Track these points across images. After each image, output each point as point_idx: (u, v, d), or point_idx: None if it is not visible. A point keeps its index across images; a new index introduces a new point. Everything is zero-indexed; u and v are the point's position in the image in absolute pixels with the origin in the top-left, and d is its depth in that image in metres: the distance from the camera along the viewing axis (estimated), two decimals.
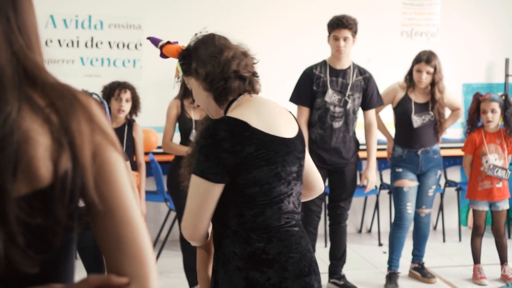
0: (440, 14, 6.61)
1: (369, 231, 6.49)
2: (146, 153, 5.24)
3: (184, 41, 2.31)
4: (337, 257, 4.72)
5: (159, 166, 5.25)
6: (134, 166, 4.61)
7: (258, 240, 1.97)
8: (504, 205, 4.84)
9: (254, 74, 2.14)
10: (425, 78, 4.68)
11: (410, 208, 4.77)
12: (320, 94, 4.51)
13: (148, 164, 5.33)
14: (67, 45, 5.96)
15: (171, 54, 2.22)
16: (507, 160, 4.80)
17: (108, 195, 1.02)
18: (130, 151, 4.61)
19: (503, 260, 4.93)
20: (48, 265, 0.98)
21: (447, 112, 4.95)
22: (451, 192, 6.45)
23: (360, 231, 6.50)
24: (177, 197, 4.36)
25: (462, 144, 5.52)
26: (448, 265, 5.34)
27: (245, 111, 2.01)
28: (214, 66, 2.08)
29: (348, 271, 4.90)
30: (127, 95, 4.62)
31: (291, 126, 2.10)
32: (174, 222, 5.48)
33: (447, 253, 5.73)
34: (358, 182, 6.27)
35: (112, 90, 4.61)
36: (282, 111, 2.12)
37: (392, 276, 4.80)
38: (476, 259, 4.93)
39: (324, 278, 4.82)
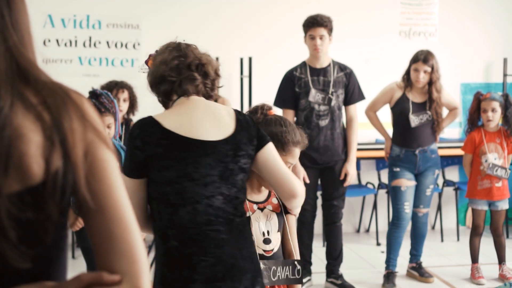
0: (438, 14, 6.61)
1: (367, 230, 6.49)
2: None
3: (181, 39, 2.32)
4: (334, 256, 4.73)
5: None
6: None
7: (174, 238, 2.02)
8: (503, 205, 4.83)
9: (190, 77, 2.17)
10: (423, 78, 4.69)
11: (407, 207, 4.77)
12: (303, 95, 4.56)
13: None
14: (65, 44, 5.96)
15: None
16: (507, 160, 4.80)
17: (100, 192, 1.02)
18: None
19: (501, 260, 4.93)
20: (40, 262, 0.99)
21: (445, 112, 4.95)
22: (449, 191, 6.45)
23: (358, 231, 6.50)
24: None
25: (460, 144, 5.53)
26: (446, 265, 5.34)
27: (167, 112, 2.14)
28: (151, 73, 2.22)
29: (346, 270, 4.90)
30: (124, 94, 4.63)
31: (219, 129, 2.11)
32: None
33: (445, 252, 5.74)
34: (356, 182, 6.29)
35: (110, 90, 4.61)
36: (215, 114, 2.14)
37: (389, 276, 4.80)
38: (474, 258, 4.93)
39: (322, 277, 4.83)
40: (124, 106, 4.64)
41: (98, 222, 1.02)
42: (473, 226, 4.91)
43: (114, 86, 4.63)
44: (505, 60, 6.60)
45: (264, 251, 2.30)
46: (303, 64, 4.65)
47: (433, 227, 6.54)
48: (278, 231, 2.33)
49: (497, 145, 4.79)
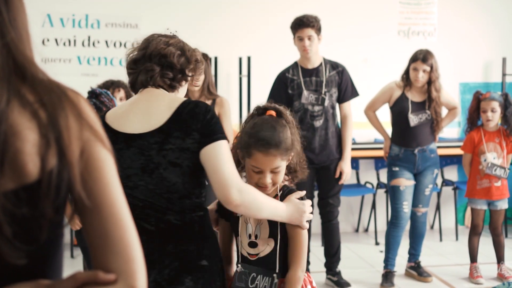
0: (437, 13, 6.61)
1: (366, 230, 6.49)
2: None
3: (170, 33, 2.32)
4: (331, 254, 4.73)
5: None
6: None
7: None
8: (503, 205, 4.83)
9: (147, 68, 2.17)
10: (422, 77, 4.69)
11: (406, 207, 4.78)
12: (296, 96, 4.56)
13: None
14: (64, 44, 5.96)
15: None
16: (506, 159, 4.80)
17: (96, 191, 1.02)
18: None
19: (499, 259, 4.93)
20: (36, 260, 0.99)
21: (444, 111, 4.95)
22: (448, 191, 6.45)
23: (357, 230, 6.50)
24: None
25: (459, 143, 5.53)
26: (445, 264, 5.34)
27: (118, 106, 2.23)
28: None
29: (345, 270, 4.90)
30: (120, 93, 4.64)
31: (147, 121, 2.09)
32: None
33: (444, 252, 5.74)
34: (355, 181, 6.29)
35: (106, 89, 4.62)
36: (150, 106, 2.12)
37: (388, 275, 4.80)
38: (473, 258, 4.93)
39: (321, 276, 4.83)
40: None
41: (94, 221, 1.02)
42: (472, 225, 4.91)
43: (110, 85, 4.64)
44: (504, 60, 6.60)
45: (249, 254, 2.24)
46: (295, 65, 4.64)
47: (432, 227, 6.54)
48: (269, 237, 2.21)
49: (496, 145, 4.79)
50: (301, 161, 2.31)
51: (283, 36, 6.22)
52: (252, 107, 6.32)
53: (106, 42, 6.02)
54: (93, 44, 6.00)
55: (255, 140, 2.17)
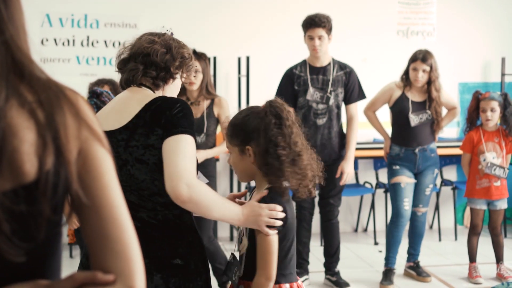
0: (436, 13, 6.61)
1: (365, 230, 6.49)
2: None
3: (179, 38, 2.32)
4: (330, 253, 4.73)
5: None
6: None
7: None
8: (502, 205, 4.83)
9: (131, 67, 2.18)
10: (421, 77, 4.69)
11: (407, 204, 4.77)
12: (301, 93, 4.58)
13: None
14: (63, 44, 5.96)
15: None
16: (505, 159, 4.80)
17: (94, 191, 1.02)
18: None
19: (498, 259, 4.93)
20: (34, 259, 0.98)
21: (444, 111, 4.95)
22: (447, 191, 6.45)
23: (356, 230, 6.50)
24: None
25: (458, 143, 5.53)
26: (444, 264, 5.34)
27: (105, 106, 2.24)
28: None
29: (344, 269, 4.90)
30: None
31: (118, 119, 2.11)
32: None
33: (443, 252, 5.74)
34: (354, 181, 6.28)
35: (95, 86, 4.80)
36: (123, 103, 2.14)
37: (388, 273, 4.81)
38: (472, 257, 4.92)
39: (320, 276, 4.84)
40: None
41: (92, 221, 1.02)
42: (471, 225, 4.91)
43: (99, 84, 4.79)
44: (503, 60, 6.60)
45: (238, 249, 2.25)
46: (303, 63, 4.67)
47: (431, 227, 6.54)
48: (249, 237, 2.16)
49: (495, 144, 4.79)
50: (286, 163, 2.15)
51: (282, 36, 6.23)
52: None
53: (105, 42, 6.01)
54: (92, 44, 6.00)
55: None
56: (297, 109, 4.58)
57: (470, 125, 4.86)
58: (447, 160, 6.45)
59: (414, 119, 4.76)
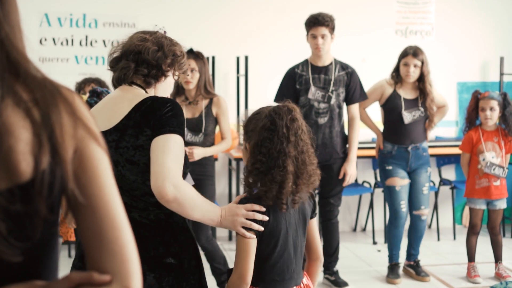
0: (435, 13, 6.61)
1: (364, 229, 6.49)
2: None
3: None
4: (329, 253, 4.73)
5: None
6: None
7: None
8: (501, 204, 4.83)
9: (123, 65, 2.18)
10: (413, 72, 4.70)
11: (404, 206, 4.78)
12: (303, 92, 4.58)
13: None
14: (62, 43, 5.95)
15: None
16: (505, 159, 4.80)
17: (90, 190, 1.01)
18: None
19: (497, 258, 4.93)
20: (30, 259, 0.98)
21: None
22: (445, 190, 6.45)
23: (354, 230, 6.50)
24: None
25: (456, 143, 5.53)
26: (443, 263, 5.34)
27: (95, 105, 2.25)
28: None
29: (343, 269, 4.90)
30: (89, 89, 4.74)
31: (109, 119, 2.10)
32: None
33: (441, 251, 5.73)
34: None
35: (81, 85, 4.97)
36: (115, 103, 2.14)
37: (394, 268, 4.85)
38: (471, 257, 4.92)
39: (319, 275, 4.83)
40: None
41: (89, 221, 1.01)
42: (470, 225, 4.90)
43: (85, 82, 4.94)
44: (501, 59, 6.60)
45: None
46: (305, 62, 4.67)
47: (429, 226, 6.53)
48: None
49: (494, 144, 4.78)
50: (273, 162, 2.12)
51: (281, 36, 6.23)
52: (250, 106, 6.35)
53: (104, 41, 6.01)
54: (91, 43, 6.00)
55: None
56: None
57: (469, 124, 4.86)
58: (445, 159, 6.45)
59: (407, 117, 4.77)
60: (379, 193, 6.22)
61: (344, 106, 4.70)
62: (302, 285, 2.24)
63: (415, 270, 4.92)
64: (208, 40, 6.02)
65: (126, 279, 1.00)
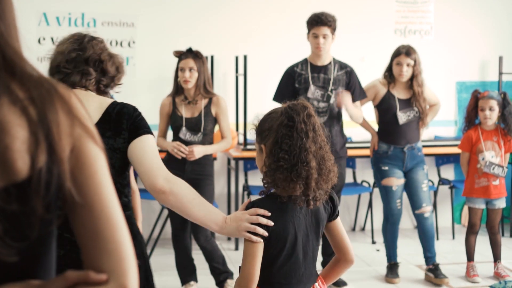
0: (434, 12, 6.61)
1: (363, 229, 6.49)
2: None
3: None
4: (328, 252, 4.74)
5: None
6: None
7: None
8: (500, 204, 4.83)
9: (84, 71, 2.21)
10: (406, 71, 4.71)
11: (399, 204, 4.84)
12: (302, 90, 4.59)
13: None
14: None
15: None
16: (504, 158, 4.80)
17: (87, 189, 1.01)
18: None
19: (496, 258, 4.93)
20: (26, 258, 0.97)
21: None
22: (444, 190, 6.45)
23: (353, 229, 6.50)
24: None
25: (455, 142, 5.53)
26: (442, 263, 5.32)
27: None
28: (50, 61, 2.28)
29: None
30: None
31: None
32: (166, 220, 5.46)
33: (440, 251, 5.71)
34: (351, 180, 6.28)
35: None
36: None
37: (393, 267, 4.85)
38: (470, 256, 4.92)
39: None
40: None
41: (85, 219, 1.01)
42: (469, 224, 4.90)
43: None
44: (500, 59, 6.60)
45: None
46: (305, 61, 4.68)
47: None
48: None
49: (494, 143, 4.78)
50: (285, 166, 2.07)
51: (280, 35, 6.23)
52: (249, 106, 6.35)
53: None
54: None
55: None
56: None
57: (469, 124, 4.86)
58: (444, 159, 6.45)
59: (402, 117, 4.77)
60: (378, 193, 6.20)
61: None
62: None
63: (434, 273, 4.82)
64: (207, 39, 6.02)
65: (123, 277, 1.00)
